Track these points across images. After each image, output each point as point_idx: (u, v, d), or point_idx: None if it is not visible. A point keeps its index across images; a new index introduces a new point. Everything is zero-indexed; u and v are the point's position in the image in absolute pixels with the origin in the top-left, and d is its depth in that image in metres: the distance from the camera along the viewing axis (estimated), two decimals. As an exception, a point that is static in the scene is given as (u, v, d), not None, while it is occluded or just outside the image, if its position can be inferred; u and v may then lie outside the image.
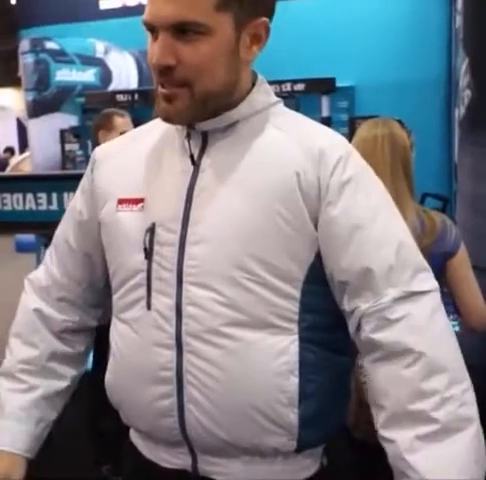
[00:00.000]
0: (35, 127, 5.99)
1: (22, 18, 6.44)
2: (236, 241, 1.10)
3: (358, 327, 1.10)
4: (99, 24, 5.99)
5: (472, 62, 3.46)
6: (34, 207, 1.92)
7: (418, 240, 2.00)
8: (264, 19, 1.11)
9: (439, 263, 2.04)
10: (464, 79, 3.58)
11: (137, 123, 4.44)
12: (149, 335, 1.15)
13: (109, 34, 5.97)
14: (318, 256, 1.13)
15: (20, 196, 2.17)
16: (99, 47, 6.06)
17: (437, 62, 5.04)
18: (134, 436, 1.29)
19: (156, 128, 1.25)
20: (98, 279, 1.33)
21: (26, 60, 5.97)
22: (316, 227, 1.12)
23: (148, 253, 1.15)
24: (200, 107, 1.11)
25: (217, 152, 1.16)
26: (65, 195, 1.88)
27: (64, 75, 5.95)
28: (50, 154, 5.78)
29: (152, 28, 1.08)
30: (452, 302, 2.09)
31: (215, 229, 1.12)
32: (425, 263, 1.13)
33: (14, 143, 15.40)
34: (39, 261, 3.84)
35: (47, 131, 5.84)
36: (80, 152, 5.50)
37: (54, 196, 1.92)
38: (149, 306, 1.15)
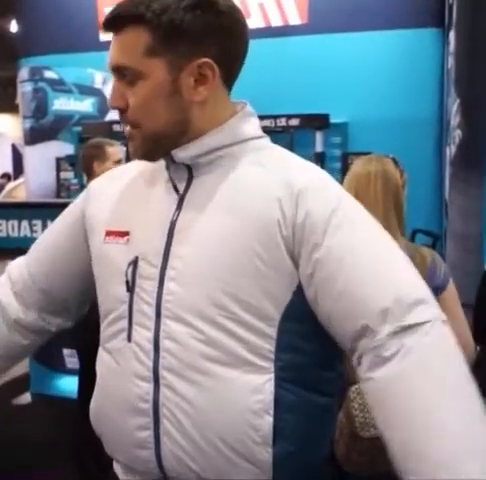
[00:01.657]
0: (31, 154, 6.01)
1: (22, 46, 6.51)
2: (213, 279, 1.11)
3: (358, 363, 1.09)
4: (98, 55, 6.03)
5: (463, 103, 3.53)
6: (29, 234, 1.93)
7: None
8: (205, 60, 1.13)
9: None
10: (455, 119, 3.64)
11: (133, 153, 4.44)
12: (129, 366, 1.16)
13: (107, 65, 6.02)
14: (296, 294, 1.12)
15: (15, 223, 2.18)
16: (97, 77, 6.12)
17: (429, 101, 5.12)
18: (116, 467, 1.29)
19: (144, 164, 1.28)
20: (58, 289, 1.36)
21: (24, 88, 6.01)
22: (296, 266, 1.11)
23: (130, 286, 1.17)
24: (152, 145, 1.17)
25: (201, 188, 1.17)
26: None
27: (62, 104, 5.99)
28: (45, 182, 5.80)
29: None
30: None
31: (192, 266, 1.13)
32: (424, 291, 1.09)
33: (9, 169, 15.42)
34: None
35: (43, 159, 5.86)
36: (75, 181, 5.52)
37: (49, 223, 1.93)
38: (130, 338, 1.17)
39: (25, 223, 2.03)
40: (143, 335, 1.15)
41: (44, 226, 1.96)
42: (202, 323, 1.11)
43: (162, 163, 1.23)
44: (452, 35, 4.18)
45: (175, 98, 1.14)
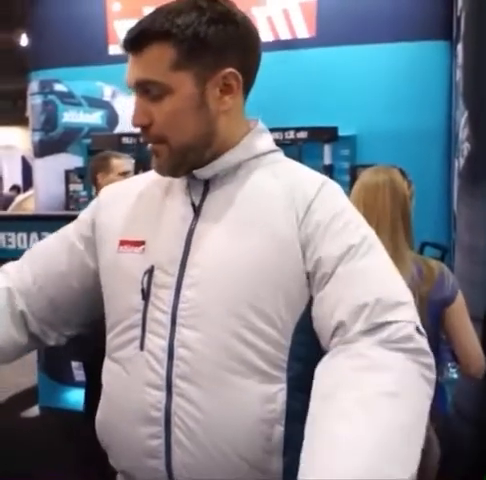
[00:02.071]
0: (41, 167, 6.05)
1: (32, 60, 6.56)
2: (231, 288, 1.12)
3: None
4: (108, 68, 6.09)
5: (471, 116, 3.53)
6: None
7: (416, 288, 2.02)
8: (230, 70, 1.18)
9: (437, 310, 2.06)
10: (464, 132, 3.64)
11: (142, 165, 4.49)
12: (141, 375, 1.16)
13: (117, 78, 6.03)
14: (309, 305, 1.15)
15: (24, 235, 2.18)
16: (107, 91, 6.16)
17: (437, 113, 5.12)
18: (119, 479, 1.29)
19: (156, 176, 1.29)
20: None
21: (34, 101, 6.06)
22: (308, 275, 1.14)
23: (145, 294, 1.18)
24: (180, 160, 1.18)
25: (217, 199, 1.20)
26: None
27: (71, 117, 6.03)
28: (54, 194, 5.83)
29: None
30: (450, 349, 2.10)
31: (211, 274, 1.14)
32: (407, 297, 1.11)
33: (19, 181, 15.51)
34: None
35: (52, 171, 5.90)
36: (84, 193, 5.55)
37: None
38: (142, 347, 1.17)
39: (34, 235, 2.04)
40: (157, 343, 1.16)
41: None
42: (218, 331, 1.12)
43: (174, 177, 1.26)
44: (460, 48, 4.19)
45: (203, 110, 1.17)
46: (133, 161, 5.17)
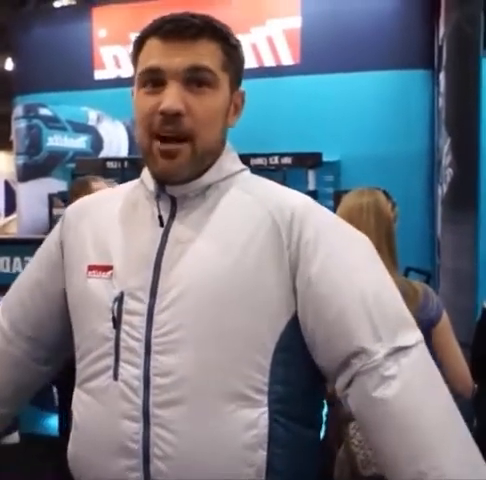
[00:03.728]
0: (24, 191, 6.04)
1: (17, 84, 6.59)
2: (207, 310, 1.08)
3: (349, 384, 1.08)
4: (93, 93, 6.12)
5: (454, 142, 3.57)
6: (21, 270, 1.93)
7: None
8: (243, 90, 1.19)
9: (424, 331, 2.06)
10: (446, 158, 3.68)
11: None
12: (115, 406, 1.11)
13: (102, 103, 6.10)
14: (291, 323, 1.10)
15: (8, 259, 2.17)
16: (92, 115, 6.18)
17: (420, 140, 5.19)
18: None
19: (123, 194, 1.24)
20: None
21: (19, 125, 6.06)
22: (294, 291, 1.10)
23: (116, 322, 1.12)
24: (199, 163, 1.13)
25: (186, 217, 1.14)
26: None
27: (56, 141, 6.04)
28: (38, 218, 5.80)
29: (154, 75, 1.09)
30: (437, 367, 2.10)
31: (184, 297, 1.09)
32: (406, 312, 1.12)
33: (0, 205, 15.42)
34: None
35: (36, 195, 5.88)
36: (68, 217, 5.53)
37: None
38: (116, 376, 1.11)
39: (17, 259, 2.02)
40: (131, 372, 1.10)
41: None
42: (195, 356, 1.07)
43: (142, 193, 1.20)
44: (442, 76, 4.25)
45: (226, 119, 1.16)
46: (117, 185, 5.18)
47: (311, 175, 5.20)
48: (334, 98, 5.32)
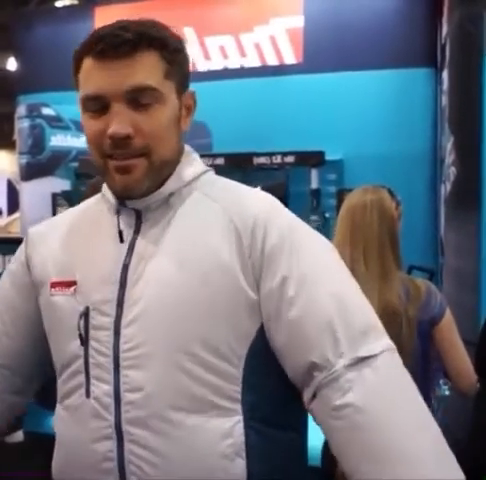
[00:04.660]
0: (27, 190, 6.04)
1: (20, 84, 6.59)
2: (174, 322, 1.06)
3: (313, 398, 1.05)
4: (96, 93, 6.14)
5: (457, 141, 3.57)
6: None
7: (404, 308, 2.02)
8: (192, 90, 1.17)
9: (426, 329, 2.06)
10: (450, 156, 3.68)
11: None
12: (88, 424, 1.09)
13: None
14: (260, 331, 1.08)
15: (11, 258, 2.16)
16: (94, 114, 6.17)
17: (423, 138, 5.18)
18: None
19: (85, 209, 1.24)
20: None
21: (22, 125, 6.07)
22: (259, 299, 1.07)
23: (84, 338, 1.10)
24: (156, 175, 1.10)
25: (150, 230, 1.12)
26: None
27: (59, 140, 6.04)
28: (41, 217, 5.77)
29: (96, 101, 1.06)
30: (442, 366, 2.10)
31: (150, 309, 1.07)
32: (373, 319, 1.07)
33: (3, 204, 15.45)
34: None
35: (39, 194, 5.89)
36: (71, 216, 5.54)
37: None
38: (88, 394, 1.10)
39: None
40: (102, 389, 1.08)
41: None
42: (165, 369, 1.05)
43: (105, 207, 1.19)
44: (445, 74, 4.25)
45: (178, 125, 1.13)
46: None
47: (314, 174, 5.20)
48: (337, 97, 5.31)
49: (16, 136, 6.23)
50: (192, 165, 1.18)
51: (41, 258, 1.21)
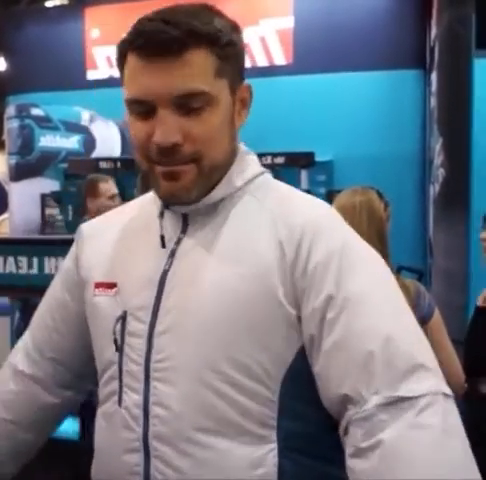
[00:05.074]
0: (17, 190, 6.01)
1: (10, 84, 6.57)
2: (207, 336, 0.99)
3: (345, 432, 0.93)
4: (86, 93, 6.12)
5: (446, 142, 3.59)
6: (14, 270, 1.92)
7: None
8: (247, 82, 1.07)
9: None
10: (438, 158, 3.70)
11: (119, 190, 4.47)
12: (119, 434, 1.05)
13: (95, 103, 6.09)
14: (300, 353, 0.99)
15: (1, 259, 2.16)
16: (84, 115, 6.16)
17: (412, 140, 5.20)
18: None
19: (139, 208, 1.18)
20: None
21: (11, 125, 6.04)
22: (299, 319, 0.98)
23: (119, 344, 1.06)
24: (206, 181, 1.02)
25: (195, 237, 1.06)
26: (46, 260, 1.89)
27: (48, 141, 6.02)
28: (30, 218, 5.79)
29: (141, 104, 0.98)
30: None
31: (184, 320, 1.01)
32: (426, 356, 0.92)
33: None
34: (13, 325, 3.79)
35: (28, 195, 5.86)
36: (60, 217, 5.52)
37: (35, 260, 1.92)
38: (120, 402, 1.05)
39: (11, 259, 2.02)
40: (132, 399, 1.03)
41: (29, 262, 1.95)
42: (194, 387, 0.98)
43: (154, 207, 1.12)
44: (434, 76, 4.27)
45: (232, 124, 1.04)
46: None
47: (304, 175, 5.21)
48: (326, 98, 5.33)
49: (5, 136, 6.20)
50: (245, 169, 1.09)
51: (89, 256, 1.17)
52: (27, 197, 5.90)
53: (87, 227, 1.23)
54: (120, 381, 1.05)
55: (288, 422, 1.00)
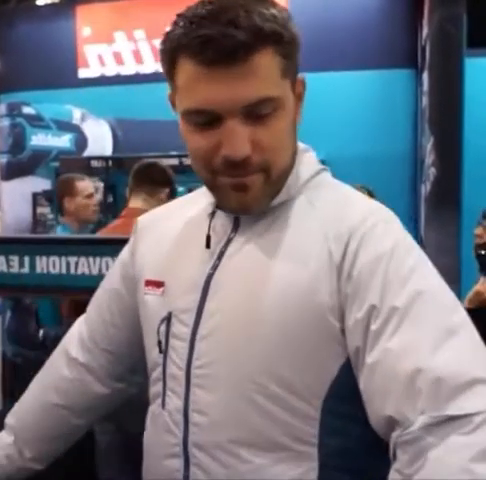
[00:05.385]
0: (8, 189, 6.00)
1: (1, 83, 6.54)
2: (248, 343, 0.94)
3: (394, 456, 0.84)
4: (77, 92, 6.10)
5: (437, 142, 3.60)
6: (5, 269, 1.92)
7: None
8: (302, 75, 1.00)
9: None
10: (430, 157, 3.71)
11: (111, 189, 4.43)
12: (161, 437, 1.03)
13: (86, 101, 6.08)
14: (344, 368, 0.92)
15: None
16: (76, 114, 6.15)
17: (404, 139, 5.22)
18: None
19: (197, 203, 1.10)
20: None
21: (2, 124, 6.03)
22: (342, 332, 0.91)
23: (164, 347, 1.02)
24: (274, 190, 0.96)
25: (244, 239, 1.00)
26: (37, 259, 1.89)
27: (39, 139, 6.01)
28: (21, 216, 5.78)
29: (204, 115, 0.90)
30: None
31: (224, 326, 0.96)
32: (474, 372, 0.80)
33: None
34: (4, 324, 3.77)
35: (20, 194, 5.86)
36: (51, 216, 5.51)
37: (26, 259, 1.92)
38: (164, 405, 1.02)
39: (2, 258, 2.02)
40: (175, 404, 1.00)
41: (21, 261, 1.95)
42: (231, 396, 0.94)
43: (208, 207, 1.05)
44: (425, 76, 4.28)
45: (294, 124, 0.97)
46: (102, 184, 5.16)
47: (296, 174, 5.22)
48: (318, 97, 5.33)
49: (-4, 135, 6.19)
50: (301, 171, 1.02)
51: (143, 252, 1.12)
52: (18, 196, 5.89)
53: (143, 220, 1.18)
54: (164, 384, 1.03)
55: (331, 440, 0.94)
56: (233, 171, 0.91)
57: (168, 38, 0.90)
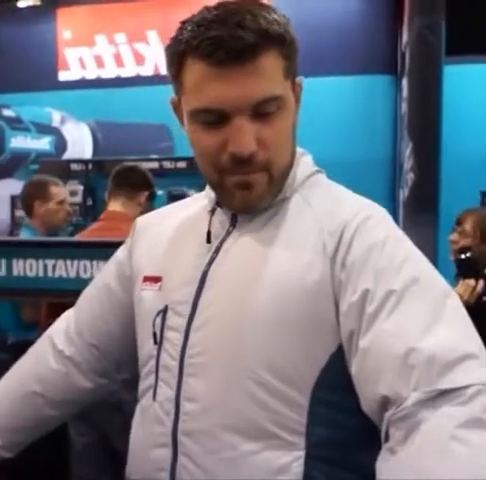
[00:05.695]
0: (-14, 192, 5.95)
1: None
2: (242, 333, 0.97)
3: (386, 437, 0.84)
4: (57, 94, 6.08)
5: (415, 147, 3.64)
6: (-16, 272, 1.91)
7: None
8: (300, 77, 1.04)
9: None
10: (408, 162, 3.75)
11: (90, 192, 4.40)
12: (150, 428, 1.05)
13: (66, 104, 6.06)
14: (334, 356, 0.94)
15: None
16: (55, 116, 6.12)
17: (383, 144, 5.26)
18: None
19: (193, 204, 1.15)
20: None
21: (-19, 126, 5.99)
22: (338, 319, 0.93)
23: (159, 338, 1.05)
24: (276, 188, 1.00)
25: (242, 235, 1.04)
26: (14, 261, 1.88)
27: (19, 142, 5.97)
28: (0, 219, 5.73)
29: (212, 113, 0.93)
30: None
31: (219, 316, 0.99)
32: (470, 348, 0.83)
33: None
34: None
35: (-2, 196, 5.81)
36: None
37: (3, 262, 1.91)
38: (154, 396, 1.05)
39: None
40: (166, 394, 1.02)
41: (-2, 264, 1.94)
42: (224, 384, 0.97)
43: (207, 205, 1.10)
44: (405, 82, 4.32)
45: (294, 125, 1.01)
46: (81, 187, 5.13)
47: (276, 178, 5.24)
48: (301, 106, 5.36)
49: (-25, 137, 6.14)
50: (298, 173, 1.06)
51: (141, 251, 1.16)
52: (-3, 198, 5.85)
53: (141, 221, 1.22)
54: (156, 375, 1.05)
55: (320, 429, 0.95)
56: (239, 168, 0.94)
57: (175, 41, 0.94)
